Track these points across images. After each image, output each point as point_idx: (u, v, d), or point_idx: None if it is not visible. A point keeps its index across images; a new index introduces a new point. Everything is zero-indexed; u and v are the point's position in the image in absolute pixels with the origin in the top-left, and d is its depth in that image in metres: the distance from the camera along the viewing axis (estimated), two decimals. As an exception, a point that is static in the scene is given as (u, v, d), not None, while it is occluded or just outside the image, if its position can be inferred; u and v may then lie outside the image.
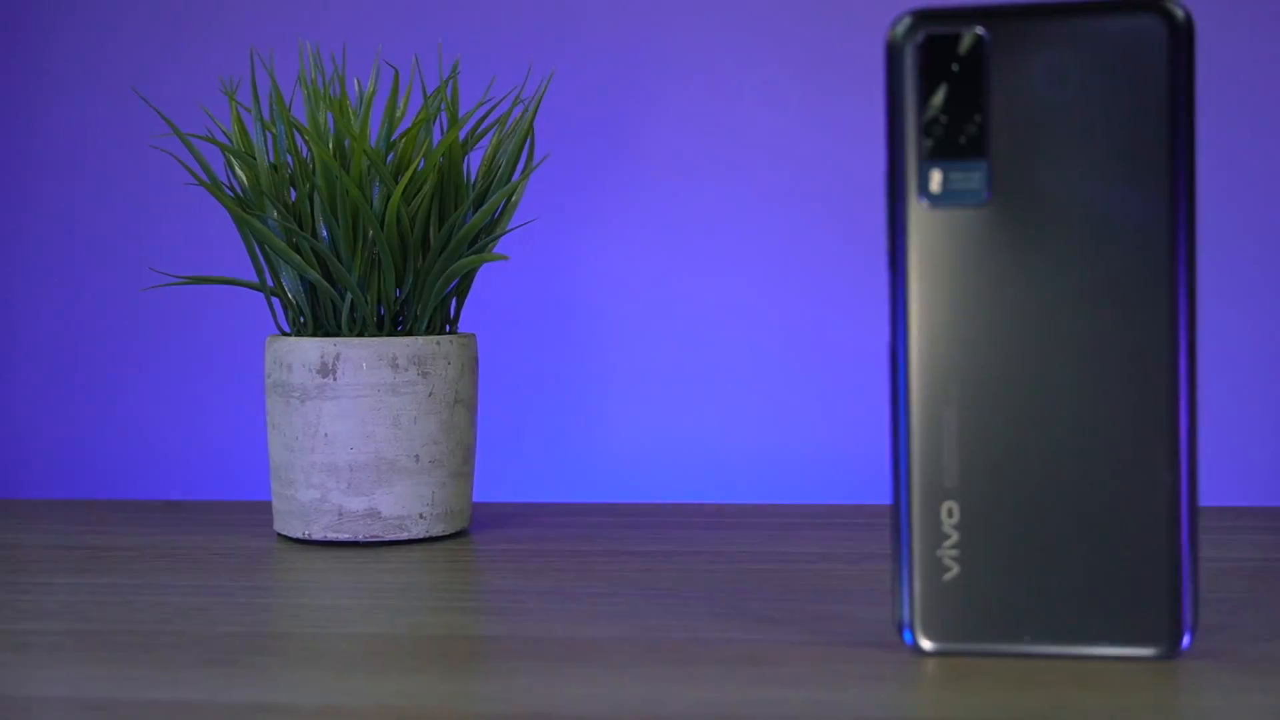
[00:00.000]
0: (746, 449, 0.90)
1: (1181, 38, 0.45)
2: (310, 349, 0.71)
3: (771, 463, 0.90)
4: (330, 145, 0.72)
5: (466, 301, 0.84)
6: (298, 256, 0.71)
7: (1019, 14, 0.46)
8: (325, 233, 0.72)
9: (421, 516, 0.71)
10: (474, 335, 0.75)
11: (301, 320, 0.74)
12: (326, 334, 0.73)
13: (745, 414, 0.90)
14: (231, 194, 0.74)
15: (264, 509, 0.82)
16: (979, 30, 0.46)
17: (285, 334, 0.74)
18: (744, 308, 0.90)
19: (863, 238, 0.87)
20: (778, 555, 0.67)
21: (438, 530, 0.72)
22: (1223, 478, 0.85)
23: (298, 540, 0.72)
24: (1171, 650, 0.46)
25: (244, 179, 0.73)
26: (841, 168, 0.88)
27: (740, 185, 0.90)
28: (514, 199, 0.74)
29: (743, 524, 0.76)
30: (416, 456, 0.71)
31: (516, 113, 0.76)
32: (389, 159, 0.74)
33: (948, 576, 0.47)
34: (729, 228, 0.90)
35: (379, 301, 0.72)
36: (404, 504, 0.71)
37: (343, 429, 0.70)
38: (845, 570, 0.63)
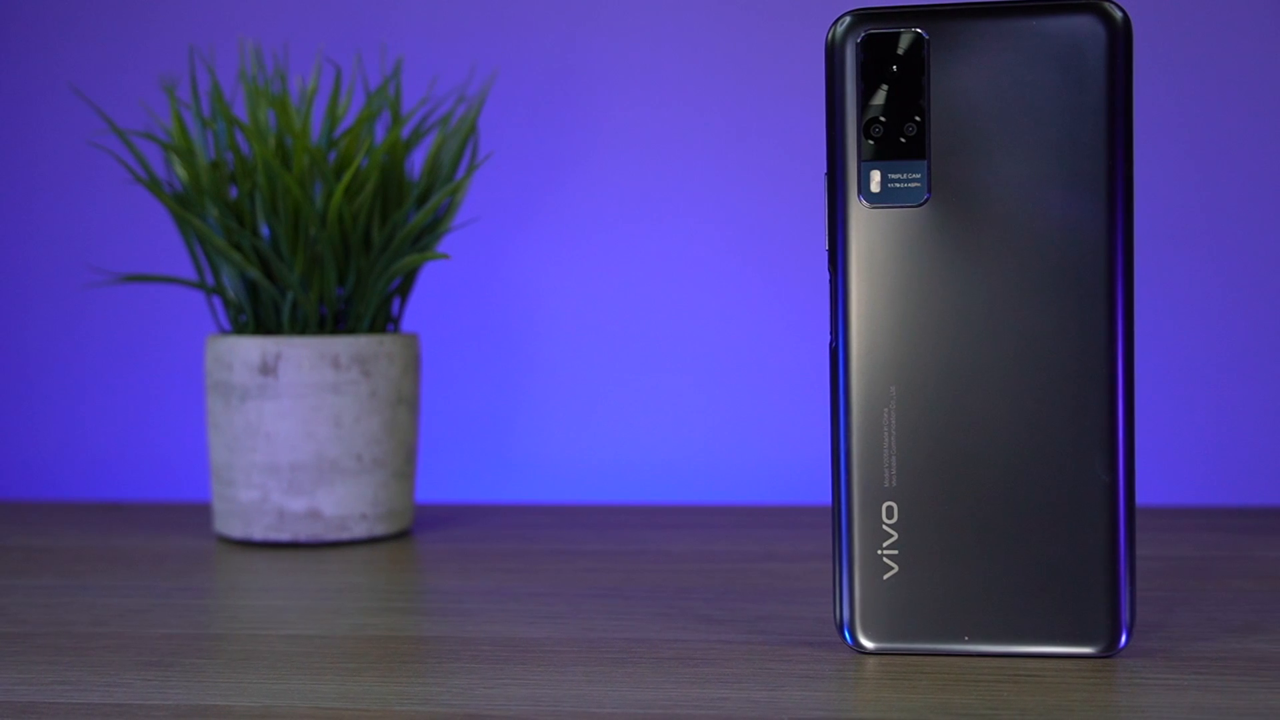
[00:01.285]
0: (690, 449, 0.90)
1: (1120, 38, 0.45)
2: (251, 348, 0.70)
3: (715, 463, 0.90)
4: (271, 143, 0.72)
5: (410, 301, 0.83)
6: (238, 255, 0.70)
7: (959, 14, 0.46)
8: (266, 231, 0.72)
9: (363, 517, 0.71)
10: (417, 335, 0.74)
11: (243, 319, 0.73)
12: (268, 333, 0.72)
13: (688, 414, 0.90)
14: (171, 192, 0.73)
15: (204, 510, 0.81)
16: (919, 30, 0.46)
17: (226, 333, 0.73)
18: (686, 308, 0.90)
19: (804, 238, 0.88)
20: (721, 555, 0.67)
21: (380, 531, 0.71)
22: (1160, 477, 0.85)
23: (238, 541, 0.72)
24: (1109, 649, 0.46)
25: (184, 176, 0.72)
26: (784, 168, 0.88)
27: (683, 185, 0.90)
28: (457, 197, 0.74)
29: (686, 524, 0.76)
30: (358, 456, 0.70)
31: (460, 111, 0.76)
32: (331, 157, 0.73)
33: (887, 576, 0.47)
34: (671, 228, 0.90)
35: (321, 300, 0.72)
36: (346, 504, 0.70)
37: (284, 429, 0.70)
38: (788, 570, 0.63)
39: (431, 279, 0.87)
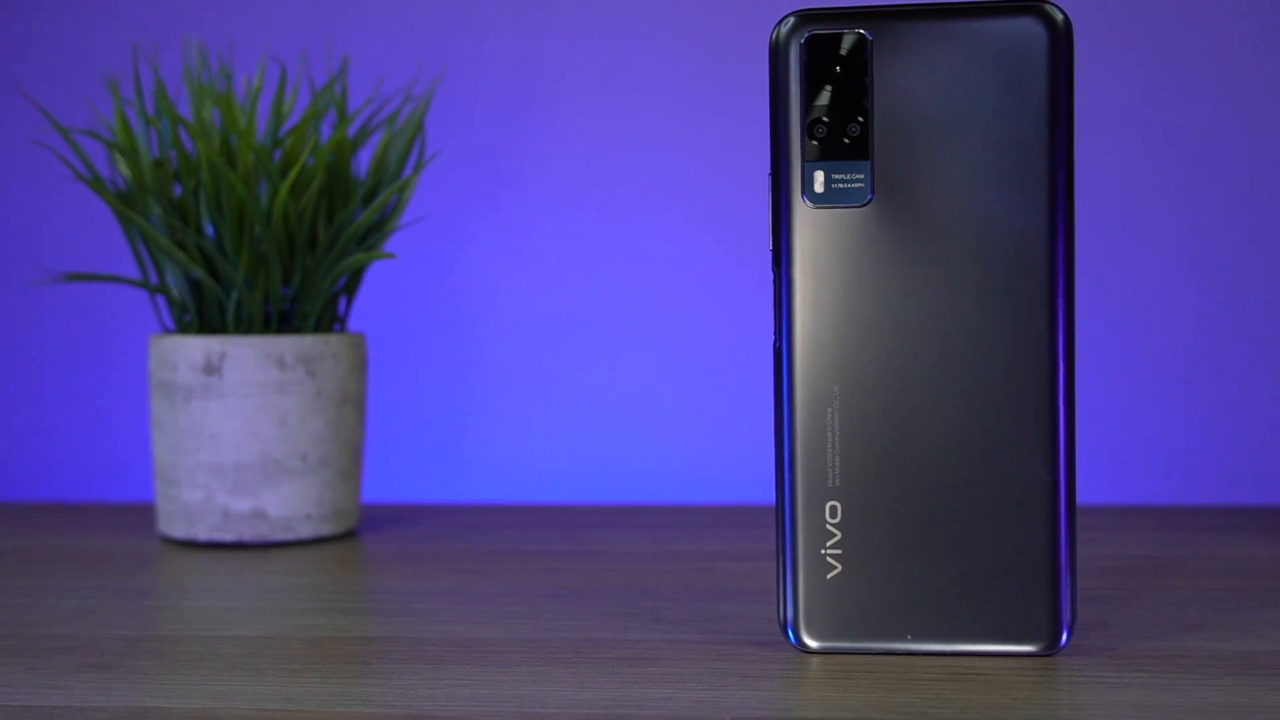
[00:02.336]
0: (640, 448, 0.90)
1: (1061, 40, 0.46)
2: (195, 347, 0.70)
3: (664, 462, 0.90)
4: (216, 141, 0.71)
5: (360, 300, 0.83)
6: (182, 253, 0.70)
7: (902, 15, 0.46)
8: (211, 229, 0.71)
9: (309, 517, 0.70)
10: (363, 334, 0.74)
11: (187, 318, 0.73)
12: (213, 332, 0.72)
13: (637, 413, 0.90)
14: (114, 190, 0.73)
15: (149, 510, 0.81)
16: (862, 31, 0.46)
17: (170, 332, 0.73)
18: (633, 307, 0.90)
19: (750, 238, 0.88)
20: (670, 555, 0.67)
21: (325, 531, 0.71)
22: (1107, 476, 0.86)
23: (182, 542, 0.71)
24: (1050, 647, 0.47)
25: (127, 174, 0.72)
26: (734, 166, 0.88)
27: (630, 185, 0.90)
28: (404, 196, 0.74)
29: (635, 524, 0.76)
30: (304, 456, 0.70)
31: (407, 110, 0.75)
32: (276, 156, 0.73)
33: (831, 575, 0.47)
34: (617, 227, 0.90)
35: (266, 300, 0.71)
36: (291, 504, 0.70)
37: (228, 429, 0.69)
38: (738, 569, 0.63)
39: (382, 278, 0.87)
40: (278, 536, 0.70)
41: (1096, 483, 0.84)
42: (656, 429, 0.90)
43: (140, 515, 0.79)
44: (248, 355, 0.69)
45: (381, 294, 0.88)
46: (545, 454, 0.91)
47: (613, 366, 0.90)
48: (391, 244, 0.81)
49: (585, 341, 0.90)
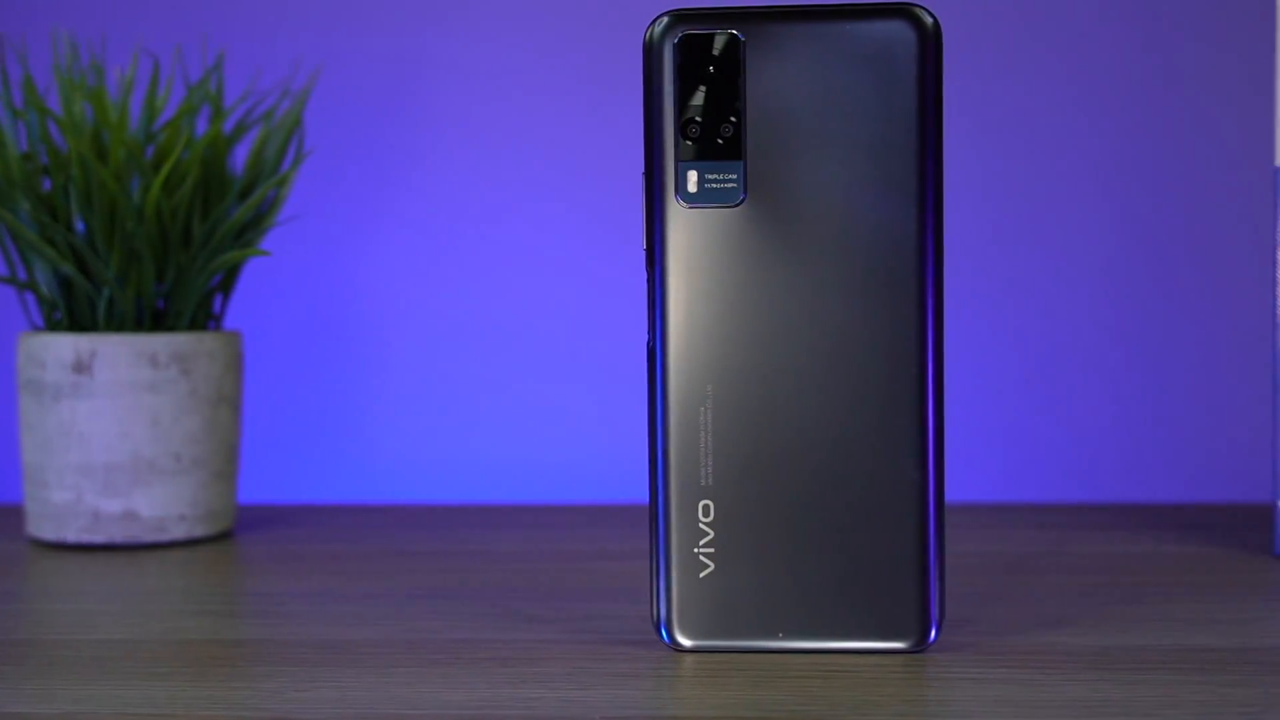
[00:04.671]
0: (518, 448, 0.90)
1: (930, 43, 0.46)
2: (64, 346, 0.68)
3: (544, 461, 0.90)
4: (87, 136, 0.70)
5: (238, 299, 0.82)
6: (51, 250, 0.68)
7: (774, 16, 0.47)
8: (81, 225, 0.70)
9: (182, 518, 0.69)
10: (239, 333, 0.73)
11: (57, 316, 0.71)
12: (83, 330, 0.70)
13: (516, 412, 0.90)
14: (-18, 184, 0.71)
15: (17, 512, 0.79)
16: (734, 31, 0.47)
17: (39, 330, 0.71)
18: (513, 306, 0.90)
19: (627, 237, 0.88)
20: (549, 555, 0.67)
21: (199, 532, 0.70)
22: (977, 474, 0.87)
23: (51, 544, 0.70)
24: (919, 644, 0.47)
25: (-5, 169, 0.70)
26: (608, 166, 0.88)
27: (510, 184, 0.89)
28: (282, 192, 0.73)
29: (514, 523, 0.76)
30: (177, 456, 0.69)
31: (285, 106, 0.75)
32: (149, 151, 0.72)
33: (704, 574, 0.48)
34: (498, 226, 0.89)
35: (139, 297, 0.70)
36: (163, 505, 0.69)
37: (98, 428, 0.68)
38: (614, 569, 0.63)
39: (263, 276, 0.86)
40: (150, 538, 0.69)
41: (964, 481, 0.85)
42: (534, 428, 0.90)
43: (8, 517, 0.78)
44: (119, 354, 0.68)
45: (263, 292, 0.87)
46: (424, 454, 0.90)
47: (489, 365, 0.90)
48: (269, 241, 0.80)
49: (462, 340, 0.90)
